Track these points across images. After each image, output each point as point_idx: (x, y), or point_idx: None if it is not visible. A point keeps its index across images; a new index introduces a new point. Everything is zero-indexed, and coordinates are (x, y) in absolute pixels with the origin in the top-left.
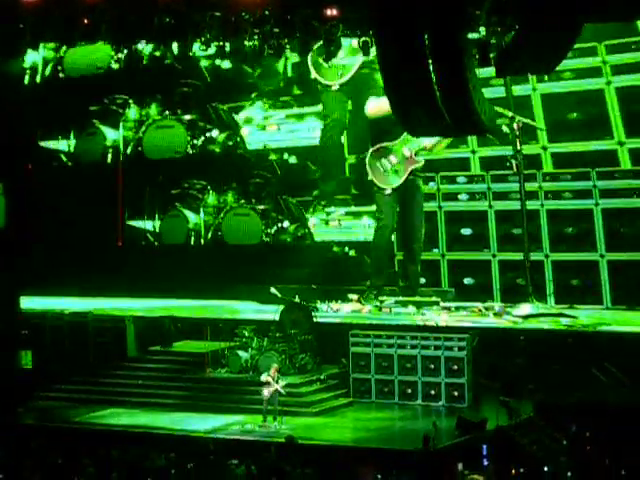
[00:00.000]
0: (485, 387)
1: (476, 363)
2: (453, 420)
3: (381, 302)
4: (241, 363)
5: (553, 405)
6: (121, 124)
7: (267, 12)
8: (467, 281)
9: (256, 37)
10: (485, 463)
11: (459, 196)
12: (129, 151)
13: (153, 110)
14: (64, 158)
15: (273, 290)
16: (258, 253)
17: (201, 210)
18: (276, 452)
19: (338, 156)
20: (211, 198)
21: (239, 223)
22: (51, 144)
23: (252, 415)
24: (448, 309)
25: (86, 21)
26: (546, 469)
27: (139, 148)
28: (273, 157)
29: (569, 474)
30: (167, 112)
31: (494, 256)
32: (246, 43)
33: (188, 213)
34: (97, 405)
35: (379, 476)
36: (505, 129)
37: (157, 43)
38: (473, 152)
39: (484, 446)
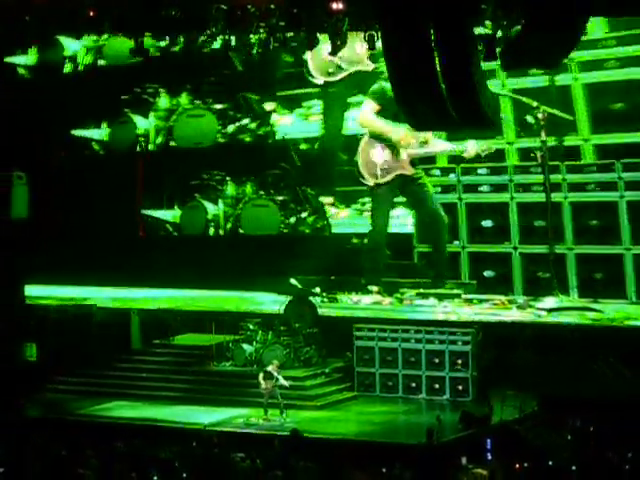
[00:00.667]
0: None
1: (480, 357)
2: (457, 414)
3: (402, 294)
4: (246, 356)
5: (557, 399)
6: (152, 113)
7: (273, 5)
8: (487, 274)
9: (262, 30)
10: (489, 457)
11: (480, 188)
12: (160, 140)
13: (184, 99)
14: (96, 147)
15: (293, 281)
16: (276, 244)
17: (220, 201)
18: (280, 445)
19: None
20: (230, 189)
21: (257, 214)
22: (84, 133)
23: (256, 409)
24: (470, 301)
25: (92, 13)
26: (550, 463)
27: (169, 137)
28: (304, 147)
29: (573, 468)
30: (198, 101)
31: (515, 249)
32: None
33: (207, 204)
34: (101, 398)
35: (383, 470)
36: (530, 119)
37: (163, 36)
38: (509, 144)
39: (488, 440)
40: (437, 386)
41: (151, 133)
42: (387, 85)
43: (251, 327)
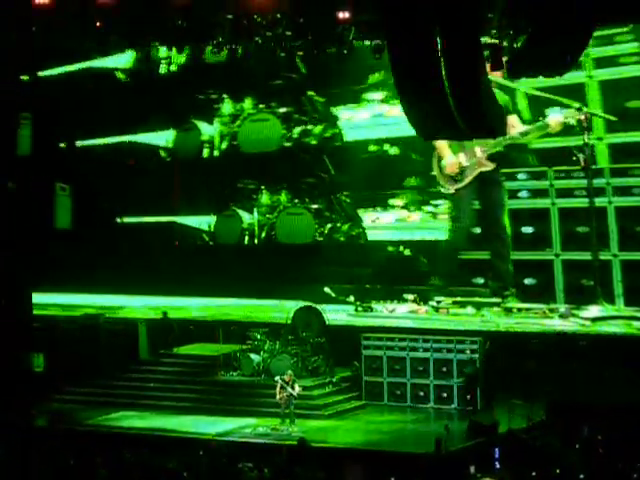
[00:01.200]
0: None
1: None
2: (465, 423)
3: (438, 302)
4: (253, 366)
5: (566, 407)
6: (216, 119)
7: (279, 15)
8: (528, 281)
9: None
10: (497, 466)
11: (519, 194)
12: (224, 146)
13: (247, 104)
14: (163, 153)
15: (327, 290)
16: (311, 252)
17: (255, 210)
18: (288, 455)
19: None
20: (265, 198)
21: (292, 222)
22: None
23: (264, 418)
24: (510, 310)
25: (98, 24)
26: (558, 472)
27: (234, 142)
28: (373, 148)
29: (581, 477)
30: (261, 105)
31: (557, 255)
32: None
33: (242, 213)
34: (109, 408)
35: (392, 479)
36: (571, 121)
37: (169, 45)
38: (600, 139)
39: (496, 449)
40: (445, 395)
41: (216, 139)
42: None
43: (258, 337)
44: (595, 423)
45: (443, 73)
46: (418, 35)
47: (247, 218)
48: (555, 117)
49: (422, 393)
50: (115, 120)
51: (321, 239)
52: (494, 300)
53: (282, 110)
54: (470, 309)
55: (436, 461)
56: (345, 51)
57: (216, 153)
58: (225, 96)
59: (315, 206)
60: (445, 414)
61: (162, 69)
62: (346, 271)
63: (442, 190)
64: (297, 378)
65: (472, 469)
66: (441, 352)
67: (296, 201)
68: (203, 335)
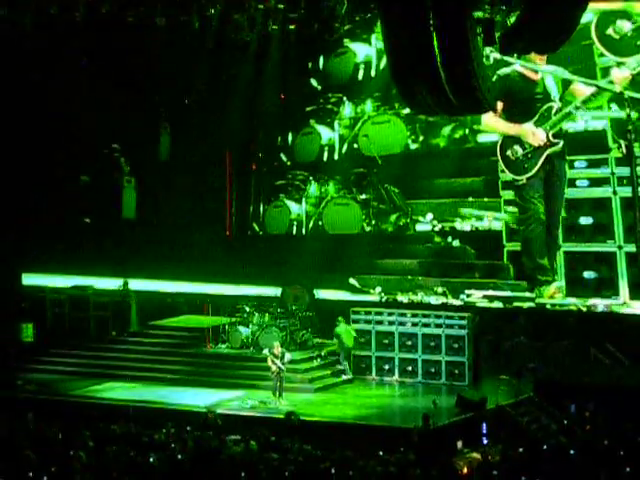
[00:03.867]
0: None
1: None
2: (453, 398)
3: (468, 296)
4: (242, 339)
5: (553, 384)
6: (337, 121)
7: None
8: (587, 275)
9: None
10: (484, 441)
11: (577, 182)
12: (345, 149)
13: (368, 106)
14: (284, 157)
15: (352, 281)
16: (358, 242)
17: (303, 200)
18: (276, 428)
19: None
20: (313, 188)
21: (339, 213)
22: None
23: (252, 390)
24: (542, 305)
25: None
26: (545, 447)
27: (355, 145)
28: None
29: (571, 452)
30: (383, 107)
31: (620, 247)
32: None
33: (290, 204)
34: (97, 378)
35: (380, 453)
36: (615, 108)
37: (159, 16)
38: None
39: (484, 424)
40: (433, 370)
41: (336, 142)
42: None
43: (247, 309)
44: (582, 400)
45: (435, 47)
46: (411, 10)
47: (295, 209)
48: (618, 72)
49: (410, 368)
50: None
51: (369, 229)
52: (527, 295)
53: (406, 111)
54: (498, 303)
55: (424, 435)
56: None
57: (336, 157)
58: (345, 99)
59: (363, 196)
60: (433, 389)
61: None
62: (392, 261)
63: (515, 182)
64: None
65: (459, 444)
66: (430, 327)
67: (343, 191)
68: (192, 308)
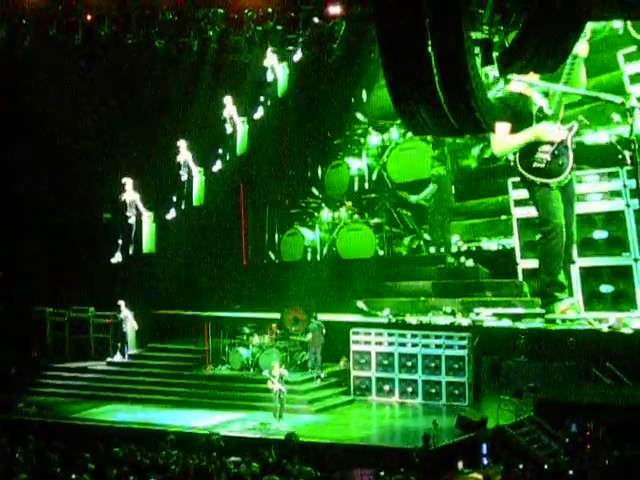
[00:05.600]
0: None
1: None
2: (453, 419)
3: (477, 314)
4: (242, 360)
5: (553, 404)
6: (365, 152)
7: (270, 9)
8: (604, 289)
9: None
10: (485, 462)
11: (589, 196)
12: (374, 178)
13: (393, 134)
14: (316, 191)
15: (360, 304)
16: (372, 266)
17: (317, 227)
18: (276, 449)
19: None
20: (326, 215)
21: (353, 238)
22: None
23: (253, 412)
24: (553, 322)
25: (89, 17)
26: (546, 467)
27: (383, 173)
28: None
29: (570, 472)
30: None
31: (636, 260)
32: None
33: (305, 231)
34: (97, 401)
35: (381, 473)
36: (617, 118)
37: (160, 39)
38: None
39: (484, 445)
40: (434, 391)
41: (364, 173)
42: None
43: (247, 331)
44: (583, 420)
45: (434, 68)
46: (409, 30)
47: (309, 236)
48: (578, 46)
49: (410, 389)
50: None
51: (382, 253)
52: (537, 311)
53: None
54: (506, 321)
55: (424, 456)
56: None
57: (367, 186)
58: (370, 129)
59: (375, 220)
60: (433, 410)
61: None
62: (405, 284)
63: (551, 185)
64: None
65: (460, 464)
66: (430, 347)
67: (356, 217)
68: (193, 329)
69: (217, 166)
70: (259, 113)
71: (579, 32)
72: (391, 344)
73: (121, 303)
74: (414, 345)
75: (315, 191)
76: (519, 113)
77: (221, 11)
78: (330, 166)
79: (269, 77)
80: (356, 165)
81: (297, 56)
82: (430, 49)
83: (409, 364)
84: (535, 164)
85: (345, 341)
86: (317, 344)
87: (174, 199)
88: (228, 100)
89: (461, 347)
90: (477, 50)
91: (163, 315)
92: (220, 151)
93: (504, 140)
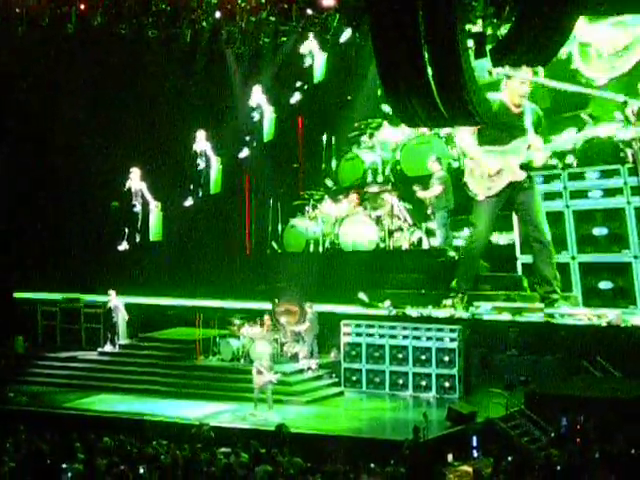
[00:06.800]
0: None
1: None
2: (444, 411)
3: (477, 308)
4: (233, 351)
5: (544, 397)
6: (378, 146)
7: (263, 0)
8: (603, 285)
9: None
10: (475, 454)
11: (589, 193)
12: (387, 172)
13: (407, 128)
14: (329, 183)
15: (361, 295)
16: (373, 259)
17: (319, 219)
18: (266, 440)
19: None
20: (328, 207)
21: (354, 230)
22: None
23: (243, 403)
24: (551, 316)
25: (82, 7)
26: (536, 460)
27: (398, 167)
28: None
29: (558, 468)
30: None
31: (636, 257)
32: None
33: (307, 223)
34: (87, 391)
35: (372, 465)
36: (619, 116)
37: (153, 29)
38: None
39: (474, 437)
40: (424, 383)
41: (379, 165)
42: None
43: (238, 322)
44: (573, 413)
45: (427, 60)
46: (402, 22)
47: (312, 227)
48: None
49: (401, 381)
50: None
51: (383, 246)
52: (537, 306)
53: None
54: (506, 315)
55: (414, 448)
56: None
57: (381, 177)
58: (385, 122)
59: (377, 213)
60: (424, 402)
61: None
62: (405, 276)
63: (474, 196)
64: (276, 364)
65: (450, 457)
66: (420, 339)
67: (358, 209)
68: (183, 320)
69: (244, 153)
70: (295, 98)
71: (573, 23)
72: (382, 336)
73: (112, 292)
74: (405, 337)
75: (329, 183)
76: (498, 122)
77: (214, 1)
78: (344, 158)
79: (307, 62)
80: (370, 158)
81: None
82: (423, 41)
83: (400, 356)
84: (477, 172)
85: (330, 331)
86: (312, 334)
87: (191, 187)
88: (257, 89)
89: (452, 340)
90: (470, 43)
91: (154, 305)
92: (247, 138)
93: (465, 141)
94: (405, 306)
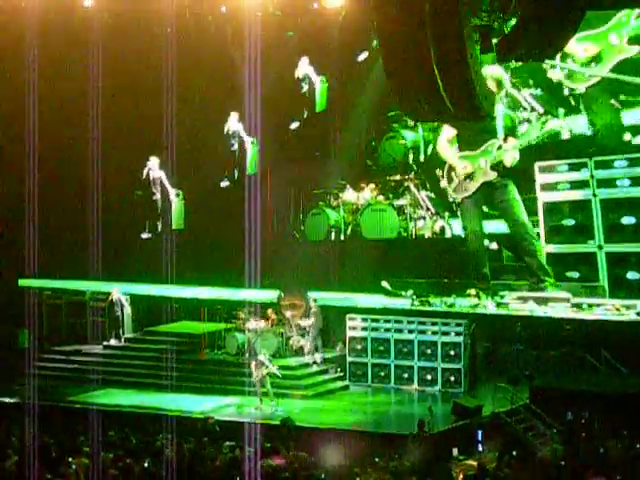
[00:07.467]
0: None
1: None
2: (449, 405)
3: (501, 297)
4: (238, 345)
5: (549, 391)
6: (420, 125)
7: None
8: (631, 275)
9: None
10: (480, 448)
11: (617, 182)
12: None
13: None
14: (369, 162)
15: (384, 283)
16: (394, 247)
17: (341, 207)
18: (272, 434)
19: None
20: (350, 195)
21: (376, 218)
22: None
23: (248, 397)
24: (579, 306)
25: None
26: (540, 455)
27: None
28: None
29: (562, 463)
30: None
31: None
32: None
33: (329, 211)
34: (93, 384)
35: (376, 459)
36: None
37: None
38: None
39: (479, 432)
40: (429, 377)
41: (421, 144)
42: None
43: (243, 316)
44: (578, 408)
45: (433, 55)
46: (408, 17)
47: (333, 215)
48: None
49: (406, 375)
50: None
51: (405, 234)
52: (562, 296)
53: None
54: (532, 304)
55: (419, 442)
56: None
57: (422, 157)
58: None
59: (400, 202)
60: (429, 396)
61: None
62: (426, 265)
63: (452, 198)
64: (281, 357)
65: (455, 451)
66: (426, 333)
67: (380, 197)
68: (188, 314)
69: (294, 125)
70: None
71: (580, 17)
72: (387, 330)
73: (115, 288)
74: (410, 331)
75: (369, 162)
76: (470, 125)
77: None
78: (385, 137)
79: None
80: (411, 137)
81: None
82: (429, 35)
83: (405, 350)
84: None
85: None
86: (316, 329)
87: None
88: (304, 60)
89: (457, 334)
90: (476, 37)
91: (159, 297)
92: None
93: (442, 143)
94: (429, 295)
